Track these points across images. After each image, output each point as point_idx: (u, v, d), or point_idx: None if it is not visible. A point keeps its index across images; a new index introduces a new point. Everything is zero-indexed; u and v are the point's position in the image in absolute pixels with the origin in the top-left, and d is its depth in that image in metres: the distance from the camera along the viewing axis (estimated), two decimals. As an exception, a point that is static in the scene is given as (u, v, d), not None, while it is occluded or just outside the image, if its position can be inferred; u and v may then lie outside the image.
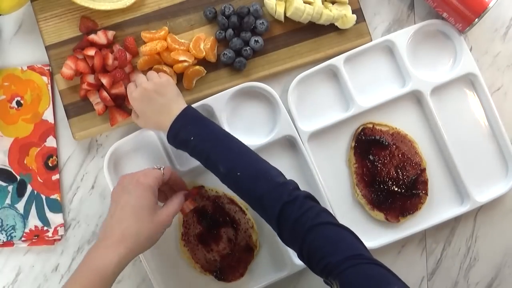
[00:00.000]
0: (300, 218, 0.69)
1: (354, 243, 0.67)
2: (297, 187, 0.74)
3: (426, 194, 0.89)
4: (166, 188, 0.81)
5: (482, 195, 0.90)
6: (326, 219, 0.69)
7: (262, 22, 0.88)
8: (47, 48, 0.89)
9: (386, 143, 0.89)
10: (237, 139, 0.78)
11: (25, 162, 0.89)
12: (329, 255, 0.65)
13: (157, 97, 0.79)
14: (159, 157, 0.87)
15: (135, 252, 0.71)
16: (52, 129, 0.90)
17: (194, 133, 0.77)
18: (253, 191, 0.73)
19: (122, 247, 0.69)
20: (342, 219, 0.87)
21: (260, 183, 0.73)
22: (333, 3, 0.90)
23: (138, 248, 0.71)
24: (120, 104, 0.89)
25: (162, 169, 0.77)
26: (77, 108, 0.89)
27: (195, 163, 0.87)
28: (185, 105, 0.80)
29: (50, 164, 0.89)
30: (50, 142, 0.90)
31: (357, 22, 0.90)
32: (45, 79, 0.90)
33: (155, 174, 0.75)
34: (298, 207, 0.70)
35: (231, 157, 0.76)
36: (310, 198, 0.72)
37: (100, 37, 0.87)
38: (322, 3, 0.88)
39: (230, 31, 0.88)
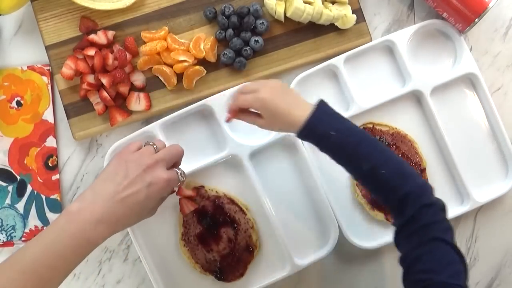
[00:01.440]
0: (428, 225, 0.68)
1: (461, 273, 0.67)
2: (433, 192, 0.72)
3: (426, 194, 0.89)
4: None
5: (482, 195, 0.90)
6: (451, 240, 0.68)
7: (262, 22, 0.88)
8: (47, 48, 0.89)
9: (386, 143, 0.89)
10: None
11: (25, 162, 0.89)
12: (434, 273, 0.65)
13: (285, 95, 0.75)
14: (159, 157, 0.87)
15: (116, 233, 0.70)
16: (52, 129, 0.90)
17: (336, 128, 0.72)
18: (398, 189, 0.70)
19: (112, 228, 0.68)
20: (342, 219, 0.87)
21: (404, 182, 0.70)
22: (333, 3, 0.90)
23: (120, 230, 0.70)
24: (120, 104, 0.89)
25: (182, 180, 0.74)
26: (77, 108, 0.89)
27: (195, 164, 0.87)
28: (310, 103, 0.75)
29: (50, 164, 0.90)
30: (50, 142, 0.90)
31: (357, 22, 0.90)
32: (45, 79, 0.90)
33: (174, 183, 0.72)
34: (431, 214, 0.69)
35: (376, 154, 0.72)
36: (444, 210, 0.72)
37: (100, 37, 0.87)
38: (322, 3, 0.88)
39: (230, 31, 0.88)
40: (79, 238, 0.66)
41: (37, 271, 0.64)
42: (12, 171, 0.89)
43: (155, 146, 0.73)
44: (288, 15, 0.88)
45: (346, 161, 0.73)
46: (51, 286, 0.65)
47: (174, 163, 0.76)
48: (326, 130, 0.71)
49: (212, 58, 0.89)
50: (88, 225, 0.66)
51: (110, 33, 0.88)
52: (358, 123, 0.90)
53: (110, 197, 0.68)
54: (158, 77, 0.89)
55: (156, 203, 0.73)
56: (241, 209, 0.87)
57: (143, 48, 0.87)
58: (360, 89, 0.90)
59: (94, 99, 0.88)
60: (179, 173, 0.73)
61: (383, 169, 0.70)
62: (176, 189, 0.81)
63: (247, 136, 0.89)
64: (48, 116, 0.90)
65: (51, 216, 0.89)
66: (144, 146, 0.74)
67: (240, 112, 0.77)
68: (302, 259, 0.87)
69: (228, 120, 0.78)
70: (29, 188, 0.89)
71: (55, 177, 0.89)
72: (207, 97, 0.88)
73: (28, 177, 0.89)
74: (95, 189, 0.69)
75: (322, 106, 0.73)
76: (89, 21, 0.89)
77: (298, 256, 0.87)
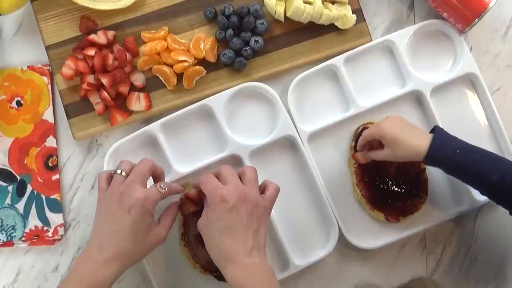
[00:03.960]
0: None
1: None
2: None
3: (426, 194, 0.89)
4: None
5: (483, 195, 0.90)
6: None
7: (262, 22, 0.88)
8: (47, 48, 0.89)
9: (386, 143, 0.89)
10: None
11: (25, 162, 0.89)
12: None
13: (404, 126, 0.80)
14: (159, 157, 0.87)
15: (128, 267, 0.73)
16: (52, 129, 0.90)
17: (458, 147, 0.77)
18: None
19: (118, 264, 0.71)
20: (342, 219, 0.87)
21: None
22: (333, 3, 0.90)
23: (131, 263, 0.73)
24: (120, 104, 0.89)
25: (163, 191, 0.75)
26: (77, 108, 0.89)
27: (195, 164, 0.87)
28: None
29: (50, 164, 0.90)
30: (50, 142, 0.90)
31: (357, 22, 0.90)
32: (45, 79, 0.90)
33: (156, 197, 0.74)
34: None
35: (500, 164, 0.77)
36: None
37: (100, 37, 0.87)
38: (322, 3, 0.88)
39: (230, 31, 0.88)
40: (83, 283, 0.70)
41: None
42: (12, 171, 0.89)
43: (123, 173, 0.75)
44: (288, 15, 0.88)
45: (475, 177, 0.77)
46: None
47: (157, 176, 0.79)
48: (450, 151, 0.77)
49: (212, 58, 0.89)
50: (92, 268, 0.70)
51: (110, 33, 0.88)
52: (358, 123, 0.90)
53: (104, 237, 0.72)
54: (158, 77, 0.89)
55: (146, 223, 0.73)
56: (241, 209, 0.87)
57: (143, 48, 0.87)
58: (360, 89, 0.90)
59: (94, 99, 0.88)
60: (157, 187, 0.75)
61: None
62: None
63: (247, 136, 0.89)
64: (48, 116, 0.90)
65: (51, 216, 0.89)
66: (114, 174, 0.76)
67: (365, 148, 0.85)
68: (302, 259, 0.87)
69: (357, 160, 0.88)
70: (29, 188, 0.89)
71: (55, 177, 0.89)
72: (207, 97, 0.88)
73: (28, 177, 0.89)
74: (95, 236, 0.73)
75: (439, 131, 0.80)
76: (89, 21, 0.89)
77: (298, 256, 0.87)
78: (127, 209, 0.71)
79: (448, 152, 0.77)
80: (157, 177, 0.80)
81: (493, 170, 0.75)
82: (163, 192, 0.75)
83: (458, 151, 0.76)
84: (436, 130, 0.80)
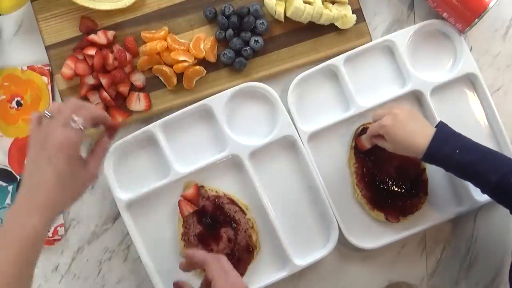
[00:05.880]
0: None
1: None
2: None
3: (426, 194, 0.89)
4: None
5: (482, 195, 0.89)
6: None
7: (262, 22, 0.88)
8: (47, 48, 0.89)
9: (386, 143, 0.89)
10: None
11: (25, 162, 0.89)
12: None
13: (407, 122, 0.79)
14: (159, 157, 0.87)
15: (60, 213, 0.69)
16: (52, 129, 0.90)
17: (459, 146, 0.76)
18: None
19: (47, 213, 0.65)
20: (342, 219, 0.87)
21: None
22: (333, 3, 0.90)
23: (63, 208, 0.68)
24: (120, 104, 0.89)
25: (80, 126, 0.66)
26: (77, 108, 0.89)
27: (195, 164, 0.87)
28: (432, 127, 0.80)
29: (50, 164, 0.89)
30: (50, 142, 0.90)
31: (357, 22, 0.90)
32: (45, 79, 0.90)
33: (75, 138, 0.66)
34: None
35: (502, 164, 0.76)
36: None
37: (100, 37, 0.87)
38: (322, 3, 0.88)
39: (230, 31, 0.88)
40: (12, 240, 0.63)
41: None
42: (12, 171, 0.89)
43: (49, 115, 0.66)
44: (288, 15, 0.88)
45: (474, 176, 0.76)
46: None
47: (99, 122, 0.71)
48: (449, 151, 0.76)
49: (212, 58, 0.89)
50: (19, 221, 0.64)
51: (110, 33, 0.88)
52: (358, 123, 0.90)
53: (31, 187, 0.66)
54: (158, 77, 0.89)
55: (71, 167, 0.66)
56: (241, 209, 0.87)
57: (143, 48, 0.87)
58: (360, 89, 0.90)
59: (94, 99, 0.88)
60: (75, 123, 0.66)
61: None
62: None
63: (247, 136, 0.89)
64: (48, 116, 0.90)
65: (51, 216, 0.89)
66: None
67: (372, 136, 0.83)
68: (302, 259, 0.87)
69: (362, 149, 0.88)
70: (29, 188, 0.89)
71: (55, 177, 0.89)
72: (207, 97, 0.88)
73: (28, 177, 0.89)
74: (23, 185, 0.66)
75: (441, 129, 0.78)
76: (89, 21, 0.89)
77: (298, 256, 0.87)
78: (48, 159, 0.65)
79: (447, 151, 0.76)
80: (100, 123, 0.72)
81: (493, 171, 0.74)
82: (80, 126, 0.66)
83: (457, 151, 0.76)
84: (438, 128, 0.79)
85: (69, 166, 0.66)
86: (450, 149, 0.76)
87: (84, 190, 0.69)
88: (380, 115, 0.81)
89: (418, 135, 0.78)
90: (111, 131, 0.73)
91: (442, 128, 0.79)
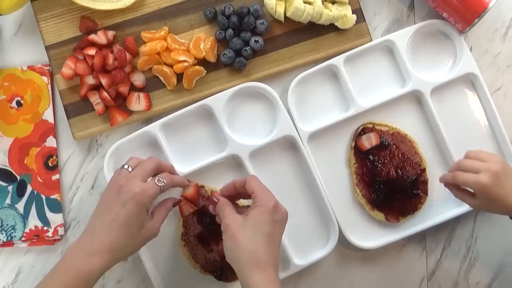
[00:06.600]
0: None
1: None
2: None
3: (426, 194, 0.89)
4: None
5: (482, 195, 0.90)
6: None
7: (262, 22, 0.88)
8: (47, 48, 0.89)
9: (386, 143, 0.89)
10: None
11: (25, 162, 0.89)
12: None
13: (507, 180, 0.75)
14: (159, 157, 0.87)
15: (117, 261, 0.73)
16: (52, 129, 0.90)
17: None
18: None
19: (108, 257, 0.71)
20: (342, 219, 0.87)
21: None
22: (333, 3, 0.90)
23: (121, 258, 0.74)
24: (120, 104, 0.89)
25: (162, 185, 0.75)
26: (77, 108, 0.89)
27: (195, 164, 0.87)
28: None
29: (50, 164, 0.90)
30: (50, 142, 0.90)
31: (357, 22, 0.90)
32: (45, 79, 0.90)
33: (153, 192, 0.74)
34: None
35: None
36: None
37: (100, 37, 0.87)
38: (322, 3, 0.88)
39: (230, 31, 0.88)
40: (70, 272, 0.70)
41: None
42: (12, 171, 0.89)
43: (129, 169, 0.76)
44: (288, 15, 0.88)
45: None
46: None
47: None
48: None
49: (212, 58, 0.89)
50: (81, 259, 0.70)
51: (110, 33, 0.88)
52: (358, 123, 0.90)
53: (98, 228, 0.72)
54: (158, 77, 0.89)
55: (141, 217, 0.73)
56: (241, 209, 0.87)
57: (143, 48, 0.87)
58: (360, 89, 0.90)
59: (94, 99, 0.88)
60: (155, 180, 0.75)
61: None
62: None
63: (247, 136, 0.89)
64: (48, 116, 0.90)
65: (51, 216, 0.89)
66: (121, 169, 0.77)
67: (453, 186, 0.80)
68: (302, 259, 0.87)
69: (362, 149, 0.87)
70: (29, 188, 0.89)
71: (55, 177, 0.89)
72: (207, 97, 0.88)
73: (28, 177, 0.89)
74: (89, 225, 0.74)
75: None
76: (89, 21, 0.89)
77: (298, 256, 0.87)
78: (123, 203, 0.72)
79: None
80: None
81: None
82: (161, 185, 0.75)
83: None
84: None
85: (139, 214, 0.73)
86: None
87: (145, 242, 0.75)
88: (473, 168, 0.76)
89: None
90: (177, 201, 0.82)
91: None
